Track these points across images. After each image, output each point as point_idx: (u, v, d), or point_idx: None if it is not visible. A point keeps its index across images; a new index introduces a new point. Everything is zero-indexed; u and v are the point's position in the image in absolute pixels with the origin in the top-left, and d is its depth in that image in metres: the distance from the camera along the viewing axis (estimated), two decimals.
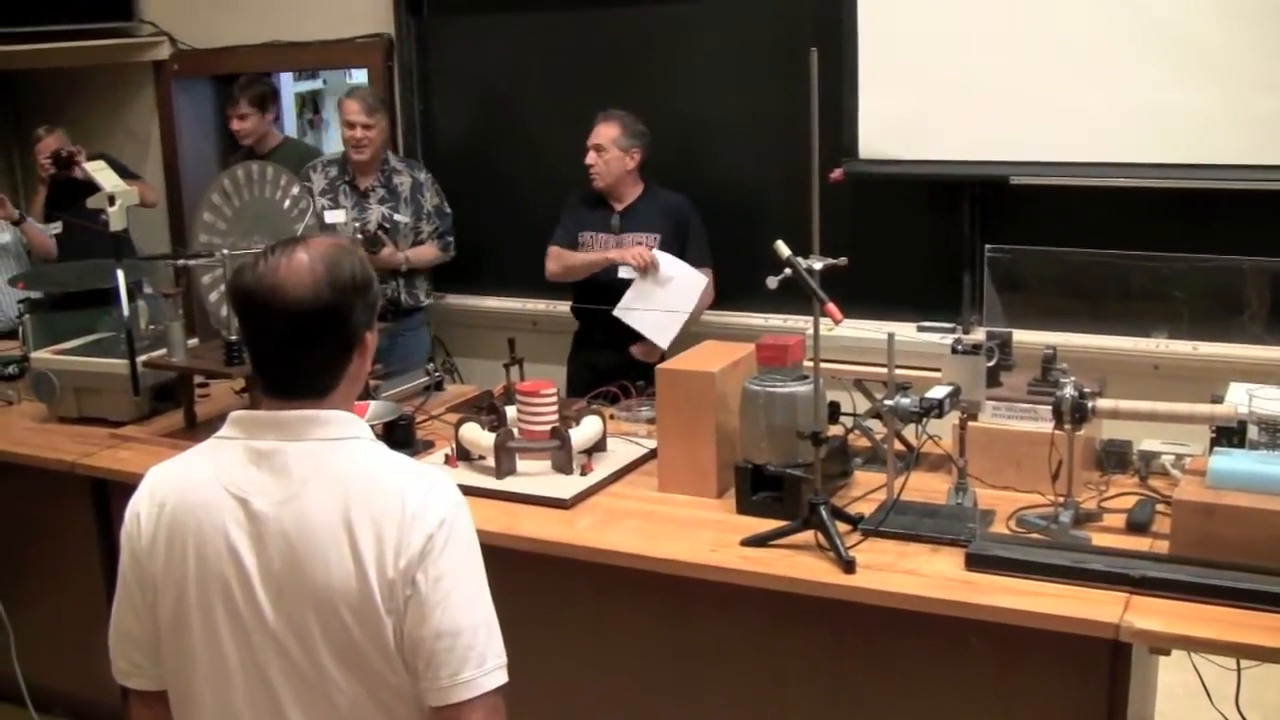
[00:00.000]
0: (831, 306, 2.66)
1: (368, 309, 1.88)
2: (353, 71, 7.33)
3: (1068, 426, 2.79)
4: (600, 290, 5.03)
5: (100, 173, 4.04)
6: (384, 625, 1.77)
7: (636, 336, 4.94)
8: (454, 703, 1.77)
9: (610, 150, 4.99)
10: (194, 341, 4.03)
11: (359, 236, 4.76)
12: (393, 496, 1.79)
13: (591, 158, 5.00)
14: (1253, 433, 2.80)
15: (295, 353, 1.83)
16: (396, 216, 5.35)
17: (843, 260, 2.72)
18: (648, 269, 4.83)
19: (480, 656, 1.78)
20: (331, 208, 5.18)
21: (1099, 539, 2.79)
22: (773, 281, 2.68)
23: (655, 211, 5.07)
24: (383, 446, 1.93)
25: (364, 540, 1.76)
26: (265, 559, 1.80)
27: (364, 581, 1.76)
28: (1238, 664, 3.23)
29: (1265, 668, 2.88)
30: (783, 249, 2.71)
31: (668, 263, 4.89)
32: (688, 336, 4.65)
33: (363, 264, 1.88)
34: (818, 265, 2.70)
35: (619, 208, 5.08)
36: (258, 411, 1.89)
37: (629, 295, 4.88)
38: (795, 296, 2.82)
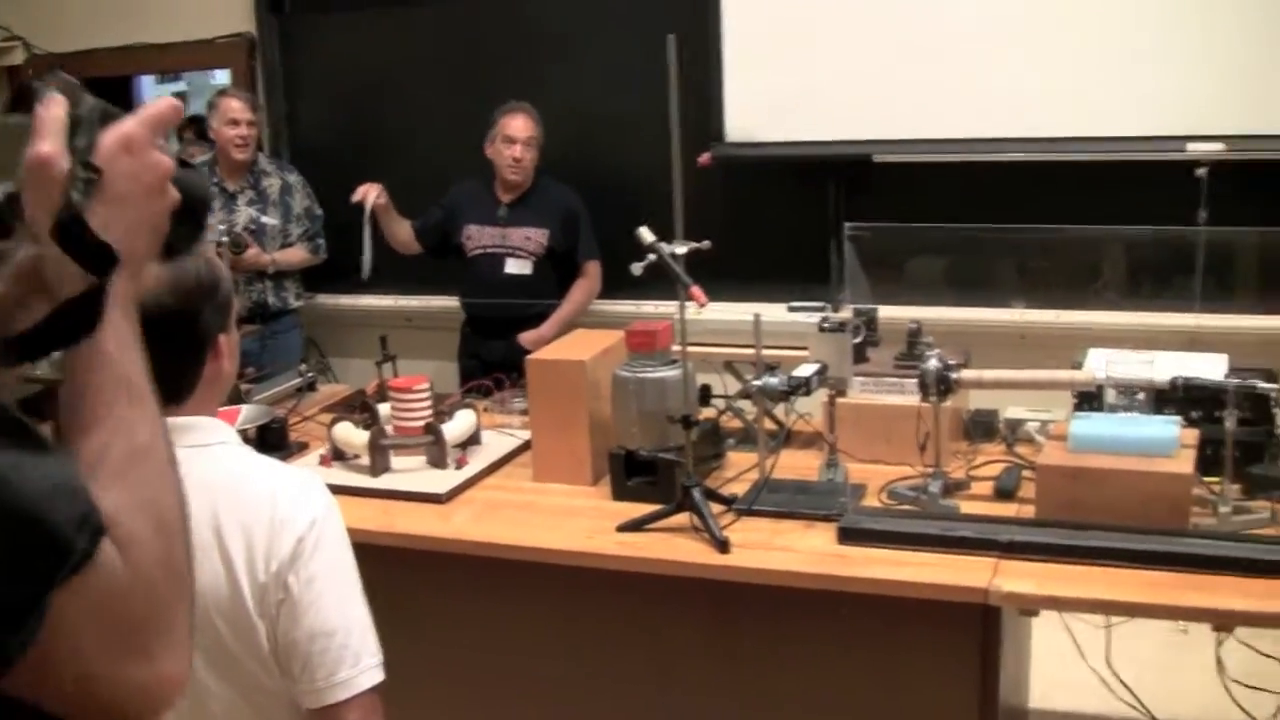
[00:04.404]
0: (696, 290, 2.67)
1: (218, 311, 1.86)
2: (216, 72, 7.22)
3: (933, 398, 2.84)
4: (488, 283, 5.02)
5: None
6: (257, 630, 1.75)
7: (525, 326, 4.94)
8: (331, 703, 1.76)
9: (534, 146, 4.98)
10: (59, 354, 3.93)
11: (224, 239, 4.70)
12: (261, 501, 1.78)
13: (519, 151, 4.95)
14: (1110, 396, 2.88)
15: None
16: (264, 219, 5.28)
17: (706, 244, 2.74)
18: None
19: (355, 656, 1.77)
20: None
21: (968, 507, 2.84)
22: (637, 268, 2.69)
23: (543, 205, 5.06)
24: (250, 450, 1.91)
25: (234, 546, 1.74)
26: None
27: (235, 587, 1.74)
28: (1107, 622, 3.33)
29: (1134, 624, 2.98)
30: (646, 235, 2.72)
31: None
32: (572, 328, 4.67)
33: (210, 267, 1.85)
34: (681, 250, 2.71)
35: (506, 199, 5.06)
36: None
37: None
38: (666, 282, 2.83)
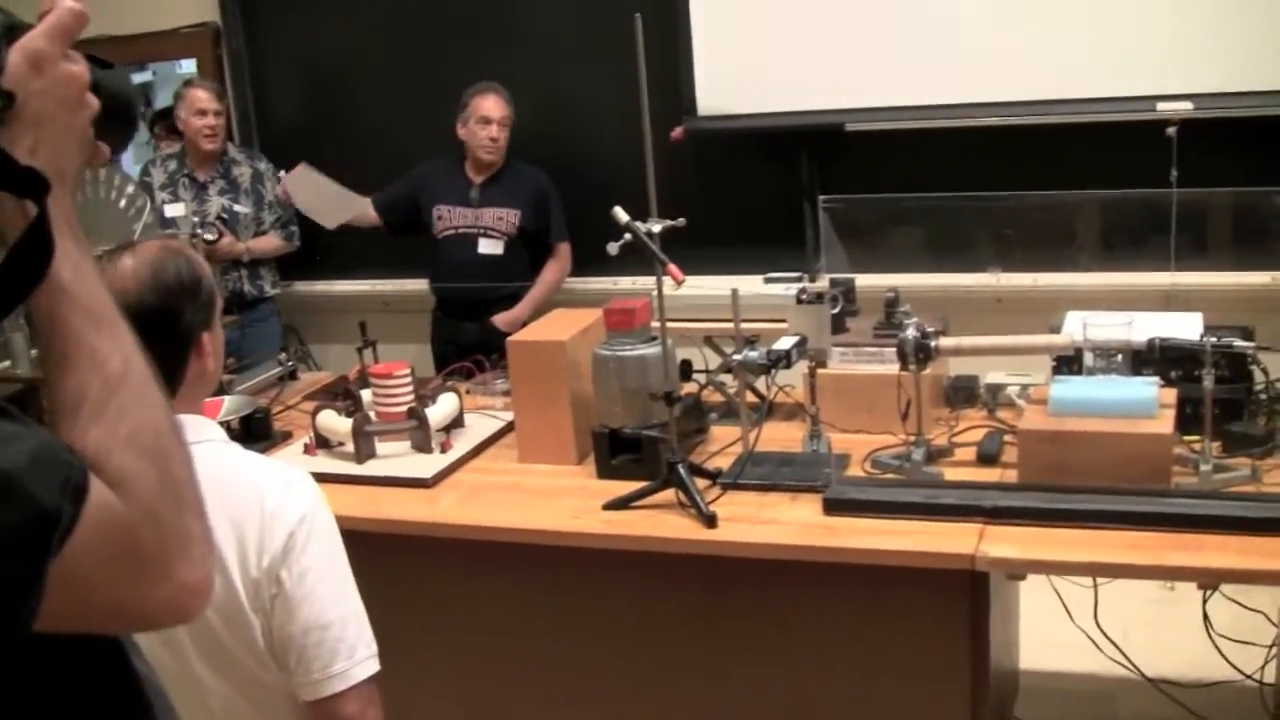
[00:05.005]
0: (673, 267, 2.67)
1: (201, 309, 1.87)
2: (182, 62, 7.17)
3: (913, 367, 2.85)
4: (460, 265, 5.01)
5: None
6: (252, 625, 1.77)
7: (497, 308, 4.94)
8: (328, 695, 1.78)
9: (507, 125, 4.97)
10: (36, 352, 3.92)
11: (197, 231, 4.68)
12: (250, 496, 1.79)
13: (495, 131, 4.95)
14: (1088, 359, 2.89)
15: None
16: (236, 207, 5.27)
17: (680, 221, 2.74)
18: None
19: (350, 648, 1.78)
20: (171, 201, 5.10)
21: (951, 474, 2.85)
22: (614, 248, 2.68)
23: (514, 185, 5.06)
24: (236, 447, 1.92)
25: (225, 543, 1.76)
26: None
27: (228, 584, 1.75)
28: (1094, 582, 3.35)
29: (1121, 583, 2.99)
30: (620, 214, 2.71)
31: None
32: (546, 307, 4.66)
33: (191, 265, 1.86)
34: (656, 228, 2.71)
35: (478, 180, 5.05)
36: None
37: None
38: (641, 258, 2.83)
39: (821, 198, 3.26)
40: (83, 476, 1.03)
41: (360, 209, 5.15)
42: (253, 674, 1.80)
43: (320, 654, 1.77)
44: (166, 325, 1.82)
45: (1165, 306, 3.73)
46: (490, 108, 4.94)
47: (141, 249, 1.85)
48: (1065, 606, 3.41)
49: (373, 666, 1.81)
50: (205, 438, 1.86)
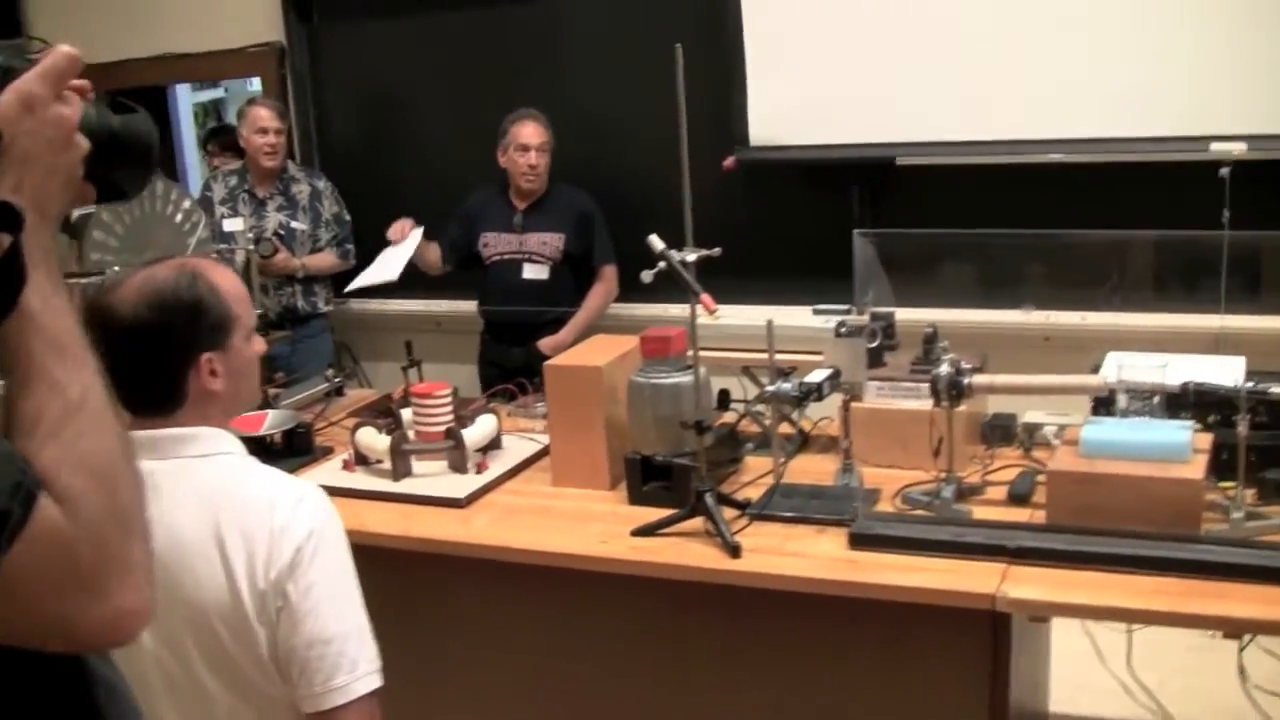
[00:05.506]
0: (706, 297, 2.69)
1: (202, 331, 1.90)
2: (253, 79, 7.30)
3: (945, 403, 2.85)
4: (506, 290, 5.06)
5: None
6: (257, 636, 1.80)
7: (543, 332, 4.98)
8: (328, 708, 1.81)
9: (546, 151, 5.01)
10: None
11: (253, 244, 4.75)
12: (261, 510, 1.83)
13: (534, 158, 5.00)
14: (1121, 401, 2.87)
15: (121, 370, 1.87)
16: (293, 224, 5.35)
17: (716, 251, 2.75)
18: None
19: (352, 663, 1.81)
20: (230, 216, 5.19)
21: (981, 512, 2.84)
22: (647, 275, 2.70)
23: (559, 210, 5.10)
24: (254, 461, 1.96)
25: (235, 554, 1.80)
26: None
27: (235, 594, 1.79)
28: (1128, 627, 3.32)
29: (1156, 629, 2.97)
30: (656, 242, 2.74)
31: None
32: (592, 331, 4.69)
33: (195, 285, 1.90)
34: (691, 257, 2.73)
35: (521, 206, 5.10)
36: (128, 432, 1.91)
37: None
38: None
39: (856, 231, 3.25)
40: (35, 485, 1.07)
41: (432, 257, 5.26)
42: (257, 685, 1.83)
43: (322, 667, 1.80)
44: (159, 340, 1.86)
45: (1215, 349, 3.68)
46: (529, 135, 4.99)
47: (160, 266, 1.90)
48: (1098, 650, 3.38)
49: (374, 682, 1.83)
50: (220, 450, 1.90)
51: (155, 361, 1.87)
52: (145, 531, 1.20)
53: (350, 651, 1.81)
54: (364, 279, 5.07)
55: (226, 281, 1.95)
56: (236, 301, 1.95)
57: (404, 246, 5.05)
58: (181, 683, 1.84)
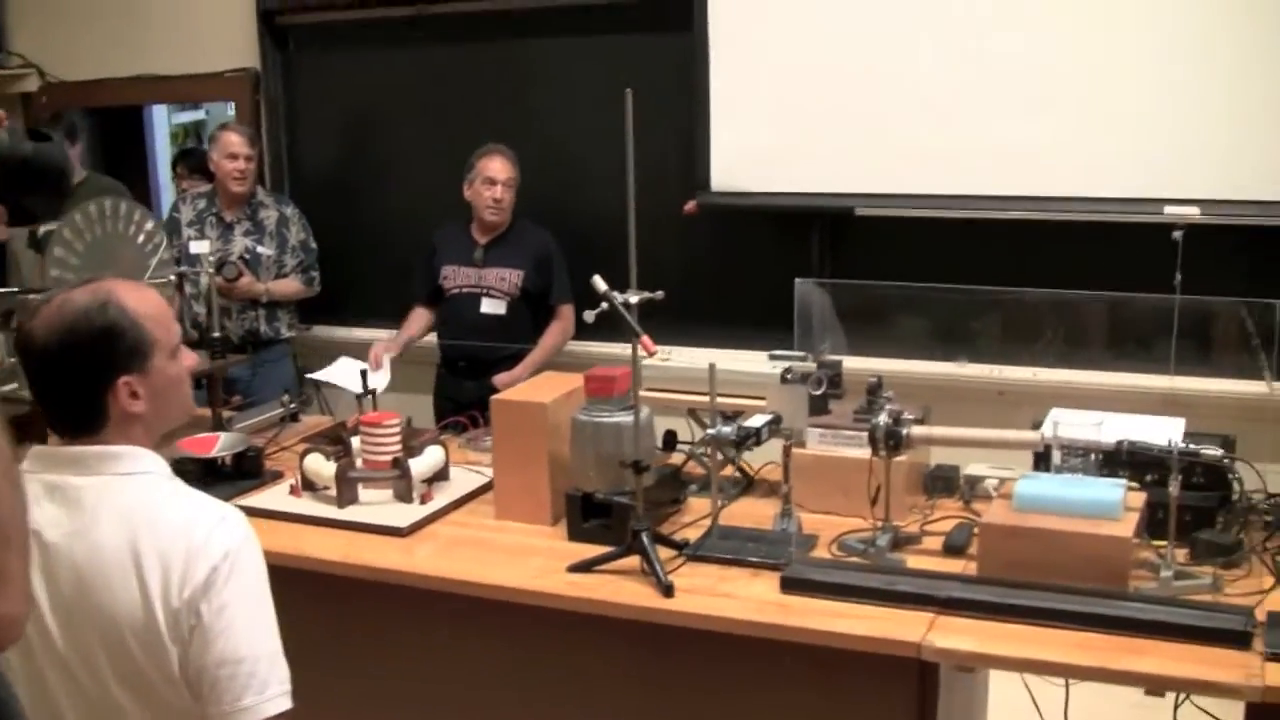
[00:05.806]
0: (646, 339, 2.72)
1: (118, 355, 1.91)
2: (231, 104, 7.33)
3: (883, 453, 2.88)
4: (464, 323, 5.08)
5: None
6: (169, 654, 1.82)
7: (499, 367, 4.99)
8: None
9: (512, 187, 5.05)
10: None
11: (213, 270, 4.76)
12: (179, 530, 1.85)
13: (500, 193, 5.03)
14: (1056, 457, 2.91)
15: (44, 394, 1.91)
16: (259, 249, 5.37)
17: (659, 294, 2.79)
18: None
19: (262, 683, 1.83)
20: (197, 239, 5.20)
21: (916, 561, 2.87)
22: (589, 315, 2.75)
23: (519, 246, 5.12)
24: (177, 482, 1.98)
25: (150, 572, 1.82)
26: (55, 588, 1.85)
27: (149, 611, 1.81)
28: (1066, 682, 3.33)
29: (1098, 686, 2.97)
30: (599, 283, 2.77)
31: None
32: (547, 369, 4.71)
33: (107, 312, 1.91)
34: (634, 299, 2.77)
35: (483, 240, 5.13)
36: (56, 447, 1.94)
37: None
38: (642, 325, 2.85)
39: (797, 280, 3.29)
40: None
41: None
42: (168, 701, 1.85)
43: (231, 687, 1.81)
44: (74, 364, 1.89)
45: (1164, 409, 3.72)
46: (496, 169, 5.03)
47: (77, 290, 1.92)
48: (1035, 703, 3.39)
49: (284, 704, 1.85)
50: (143, 470, 1.92)
51: (72, 386, 1.90)
52: (24, 545, 1.23)
53: (261, 672, 1.83)
54: (329, 375, 4.98)
55: (145, 304, 1.96)
56: (154, 323, 1.95)
57: (379, 375, 4.96)
58: (93, 697, 1.86)
